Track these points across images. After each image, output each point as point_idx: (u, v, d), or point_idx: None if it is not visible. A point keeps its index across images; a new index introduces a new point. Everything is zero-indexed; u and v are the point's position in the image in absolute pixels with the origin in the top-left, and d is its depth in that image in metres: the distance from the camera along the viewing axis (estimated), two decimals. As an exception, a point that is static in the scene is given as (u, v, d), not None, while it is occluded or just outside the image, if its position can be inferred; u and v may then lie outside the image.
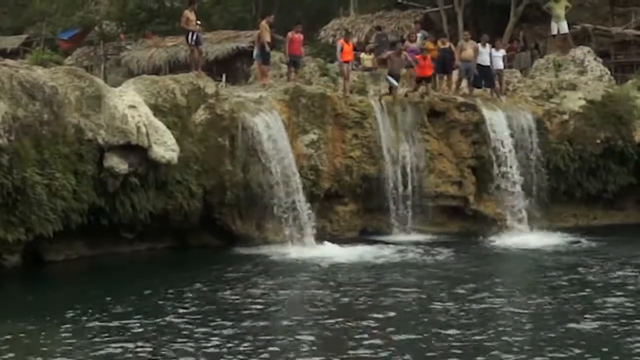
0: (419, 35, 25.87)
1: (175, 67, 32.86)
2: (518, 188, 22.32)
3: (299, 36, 23.52)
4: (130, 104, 18.86)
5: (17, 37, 42.03)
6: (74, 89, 18.32)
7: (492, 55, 23.46)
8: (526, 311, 13.54)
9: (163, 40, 36.48)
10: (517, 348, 11.34)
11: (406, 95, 22.74)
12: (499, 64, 23.77)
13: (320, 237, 20.29)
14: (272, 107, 20.93)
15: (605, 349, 11.26)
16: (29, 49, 38.64)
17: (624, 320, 12.70)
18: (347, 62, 23.47)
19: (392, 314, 13.44)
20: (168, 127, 19.27)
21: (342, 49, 23.36)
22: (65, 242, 18.49)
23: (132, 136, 18.46)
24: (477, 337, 11.80)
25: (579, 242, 20.39)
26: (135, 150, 18.58)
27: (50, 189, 17.29)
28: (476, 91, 23.74)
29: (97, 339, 12.05)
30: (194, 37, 22.55)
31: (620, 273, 16.47)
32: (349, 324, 12.74)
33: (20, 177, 16.85)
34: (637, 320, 12.71)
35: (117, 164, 18.29)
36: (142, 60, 35.33)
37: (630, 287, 15.11)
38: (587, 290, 14.95)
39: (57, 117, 17.80)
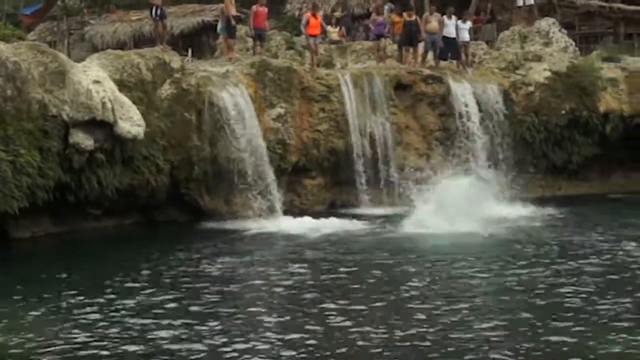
0: (385, 7, 25.85)
1: (140, 41, 32.67)
2: (484, 160, 22.47)
3: (264, 9, 23.38)
4: (94, 79, 18.68)
5: (-22, 13, 41.38)
6: (37, 64, 18.11)
7: (458, 28, 23.51)
8: (502, 281, 13.55)
9: (127, 15, 36.21)
10: (497, 317, 11.36)
11: None
12: (465, 36, 23.83)
13: (288, 211, 20.31)
14: (239, 81, 20.84)
15: (581, 312, 11.43)
16: (-9, 24, 38.06)
17: (598, 284, 12.96)
18: (313, 35, 23.40)
19: (361, 289, 13.35)
20: (133, 102, 19.13)
21: (307, 22, 23.29)
22: (31, 219, 18.34)
23: (97, 112, 18.31)
24: (454, 310, 11.75)
25: (544, 212, 20.55)
26: (101, 126, 18.43)
27: (15, 166, 17.12)
28: (442, 63, 23.81)
29: (61, 317, 11.95)
30: (158, 11, 22.39)
31: (587, 241, 16.66)
32: (318, 300, 12.67)
33: (-16, 154, 16.68)
34: (607, 282, 13.05)
35: (83, 139, 18.15)
36: (106, 35, 35.07)
37: (597, 254, 15.31)
38: (560, 257, 15.13)
39: (20, 92, 17.60)
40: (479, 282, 13.61)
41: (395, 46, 24.71)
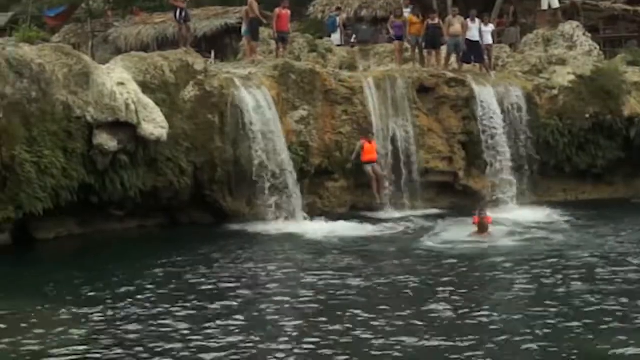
0: (407, 10, 25.82)
1: (163, 44, 32.74)
2: (507, 163, 22.38)
3: (287, 12, 23.44)
4: (118, 81, 18.77)
5: (3, 15, 41.72)
6: (61, 66, 18.21)
7: (481, 31, 23.44)
8: (528, 287, 13.37)
9: (151, 17, 36.33)
10: (523, 325, 11.23)
11: None
12: (488, 39, 23.76)
13: (310, 214, 20.29)
14: (262, 84, 20.86)
15: (604, 322, 11.25)
16: (16, 26, 38.34)
17: (626, 292, 12.78)
18: (368, 162, 21.33)
19: (381, 295, 13.23)
20: (157, 104, 19.19)
21: (362, 148, 21.32)
22: (55, 220, 18.45)
23: (120, 113, 18.39)
24: (477, 317, 11.64)
25: (568, 216, 20.41)
26: (125, 128, 18.51)
27: (40, 167, 17.24)
28: (465, 67, 23.74)
29: (83, 318, 12.00)
30: (182, 14, 22.50)
31: (608, 247, 16.51)
32: (338, 306, 12.51)
33: (9, 155, 16.83)
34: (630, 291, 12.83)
35: (106, 141, 18.23)
36: (130, 37, 35.18)
37: (622, 261, 15.14)
38: (585, 263, 14.95)
39: (45, 94, 17.72)
40: (502, 288, 13.46)
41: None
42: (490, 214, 18.58)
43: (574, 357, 9.87)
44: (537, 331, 10.86)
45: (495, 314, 11.79)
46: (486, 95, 22.68)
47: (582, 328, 10.98)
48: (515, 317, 11.65)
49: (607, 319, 11.32)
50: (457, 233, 18.25)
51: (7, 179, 16.91)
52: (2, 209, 16.99)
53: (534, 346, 10.26)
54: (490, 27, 24.19)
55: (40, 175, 17.24)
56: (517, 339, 10.58)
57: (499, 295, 13.00)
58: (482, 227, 17.79)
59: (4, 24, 39.83)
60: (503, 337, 10.67)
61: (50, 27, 38.62)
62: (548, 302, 12.27)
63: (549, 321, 11.30)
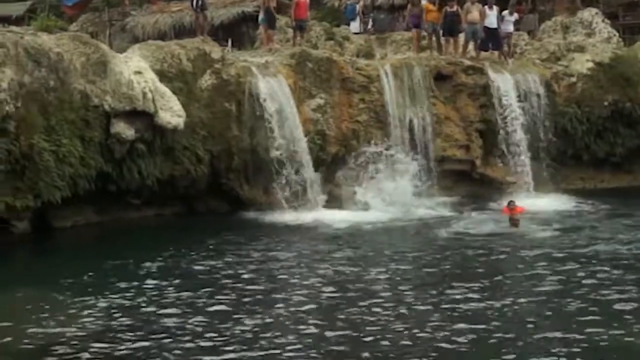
0: (425, -2, 25.70)
1: (180, 32, 32.71)
2: (525, 151, 22.27)
3: (305, 0, 23.36)
4: (135, 70, 18.83)
5: (22, 4, 41.84)
6: (79, 55, 18.28)
7: (504, 19, 23.40)
8: (551, 279, 13.23)
9: (168, 6, 36.33)
10: (538, 313, 11.25)
11: None
12: (509, 28, 23.69)
13: (327, 202, 20.27)
14: (279, 72, 20.85)
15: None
16: (34, 15, 38.48)
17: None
18: None
19: (398, 286, 13.14)
20: (174, 92, 19.25)
21: None
22: (73, 209, 18.54)
23: (138, 102, 18.45)
24: (491, 304, 11.65)
25: (589, 205, 20.28)
26: (142, 116, 18.57)
27: (58, 156, 17.34)
28: (483, 54, 23.63)
29: (100, 308, 12.07)
30: (199, 2, 22.51)
31: (626, 236, 16.40)
32: (354, 295, 12.51)
33: (28, 143, 16.91)
34: None
35: (124, 129, 18.30)
36: (147, 26, 35.18)
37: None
38: (612, 254, 14.80)
39: (63, 83, 17.80)
40: (529, 278, 13.34)
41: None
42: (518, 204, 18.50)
43: (600, 348, 9.86)
44: (565, 322, 10.84)
45: (520, 303, 11.75)
46: (504, 83, 22.57)
47: (609, 318, 10.92)
48: (542, 307, 11.60)
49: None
50: (477, 223, 18.20)
51: (26, 168, 17.00)
52: (21, 198, 17.11)
53: (559, 335, 10.25)
54: (515, 16, 24.15)
55: (58, 163, 17.33)
56: (543, 328, 10.57)
57: (526, 285, 12.92)
58: (512, 220, 17.69)
59: (22, 13, 39.98)
60: (529, 326, 10.67)
61: (68, 16, 38.68)
62: (576, 293, 12.21)
63: (576, 312, 11.27)
